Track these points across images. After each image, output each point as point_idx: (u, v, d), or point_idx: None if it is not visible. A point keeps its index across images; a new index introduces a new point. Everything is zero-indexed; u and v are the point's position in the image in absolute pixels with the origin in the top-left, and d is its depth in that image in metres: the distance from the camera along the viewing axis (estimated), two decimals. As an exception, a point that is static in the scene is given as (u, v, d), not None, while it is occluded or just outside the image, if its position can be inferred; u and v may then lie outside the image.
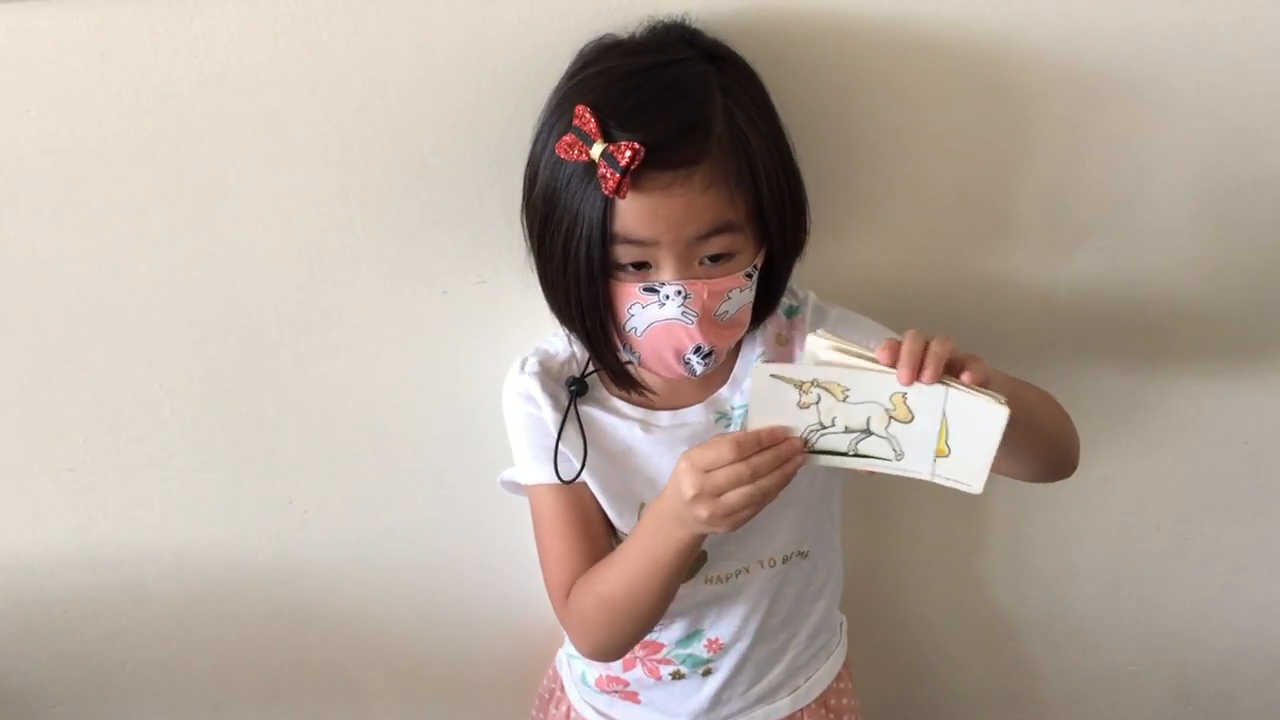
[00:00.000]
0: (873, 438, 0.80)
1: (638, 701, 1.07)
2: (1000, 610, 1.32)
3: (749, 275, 0.87)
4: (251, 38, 0.91)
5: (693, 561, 0.96)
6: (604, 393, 0.97)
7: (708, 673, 1.04)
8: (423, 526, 1.16)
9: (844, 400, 0.78)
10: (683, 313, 0.84)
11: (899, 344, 0.77)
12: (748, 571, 1.00)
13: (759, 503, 0.80)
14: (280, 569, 1.17)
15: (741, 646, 1.03)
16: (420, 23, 0.92)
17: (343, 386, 1.08)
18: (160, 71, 0.91)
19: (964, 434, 0.78)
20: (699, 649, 1.03)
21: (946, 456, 0.79)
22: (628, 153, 0.77)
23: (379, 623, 1.22)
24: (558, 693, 1.17)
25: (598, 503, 0.96)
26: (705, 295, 0.84)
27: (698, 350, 0.86)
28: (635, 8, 0.91)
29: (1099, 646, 1.36)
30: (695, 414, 0.97)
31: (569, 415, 0.95)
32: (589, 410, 0.96)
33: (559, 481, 0.95)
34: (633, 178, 0.78)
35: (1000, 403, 0.75)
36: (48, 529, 1.11)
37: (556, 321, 0.92)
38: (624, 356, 0.91)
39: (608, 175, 0.78)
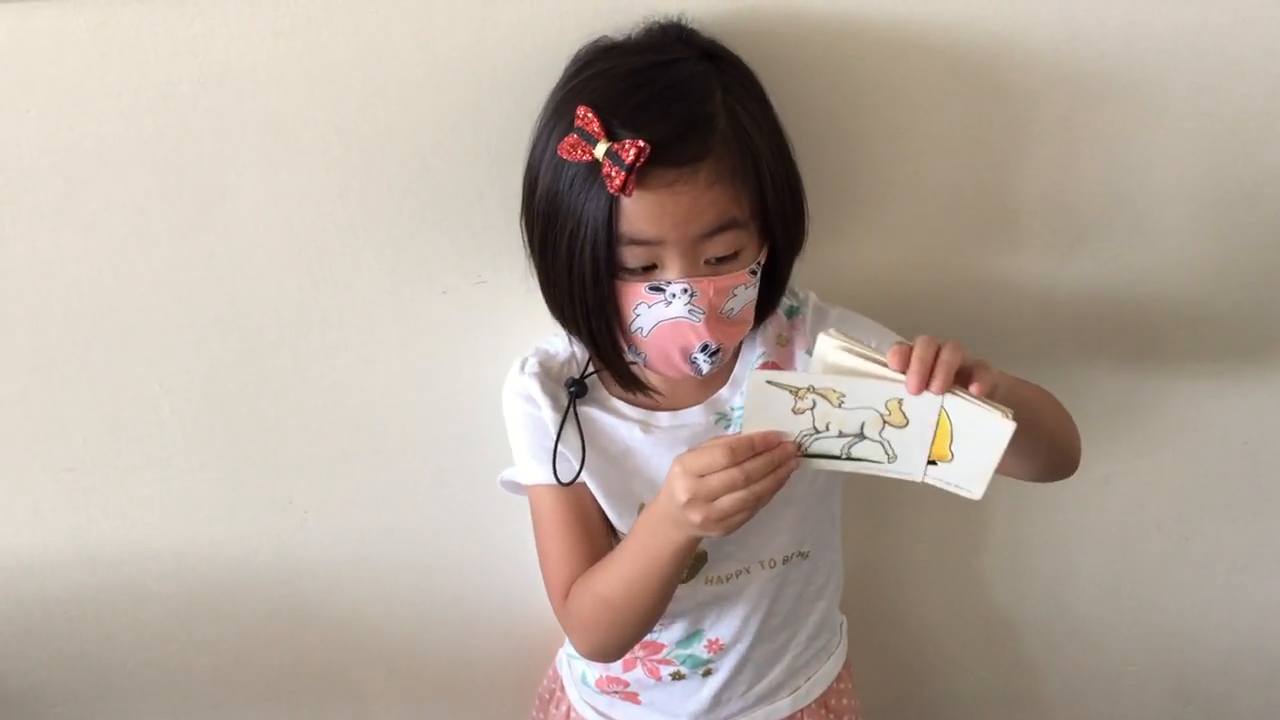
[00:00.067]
0: (866, 441, 0.80)
1: (638, 702, 1.07)
2: (1000, 610, 1.32)
3: (753, 272, 0.87)
4: (252, 38, 0.91)
5: (692, 562, 0.96)
6: (604, 393, 0.97)
7: (708, 673, 1.04)
8: (423, 526, 1.16)
9: (839, 406, 0.78)
10: (689, 311, 0.84)
11: (909, 350, 0.76)
12: (748, 572, 1.00)
13: (752, 507, 0.80)
14: (280, 569, 1.17)
15: (742, 647, 1.03)
16: (420, 23, 0.92)
17: (343, 386, 1.08)
18: (160, 72, 0.91)
19: (968, 441, 0.78)
20: (699, 649, 1.03)
21: (950, 461, 0.79)
22: (633, 151, 0.77)
23: (379, 623, 1.22)
24: (558, 693, 1.17)
25: (597, 503, 0.96)
26: (711, 293, 0.84)
27: (705, 348, 0.86)
28: (635, 8, 0.91)
29: (1099, 646, 1.36)
30: (695, 415, 0.97)
31: (568, 416, 0.95)
32: (588, 411, 0.96)
33: (558, 483, 0.95)
34: (638, 176, 0.78)
35: (1006, 416, 0.75)
36: (48, 529, 1.11)
37: (556, 323, 0.92)
38: (629, 357, 0.91)
39: (613, 174, 0.78)
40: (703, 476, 0.80)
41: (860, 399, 0.78)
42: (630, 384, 0.94)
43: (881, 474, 0.82)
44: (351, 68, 0.93)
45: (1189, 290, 1.11)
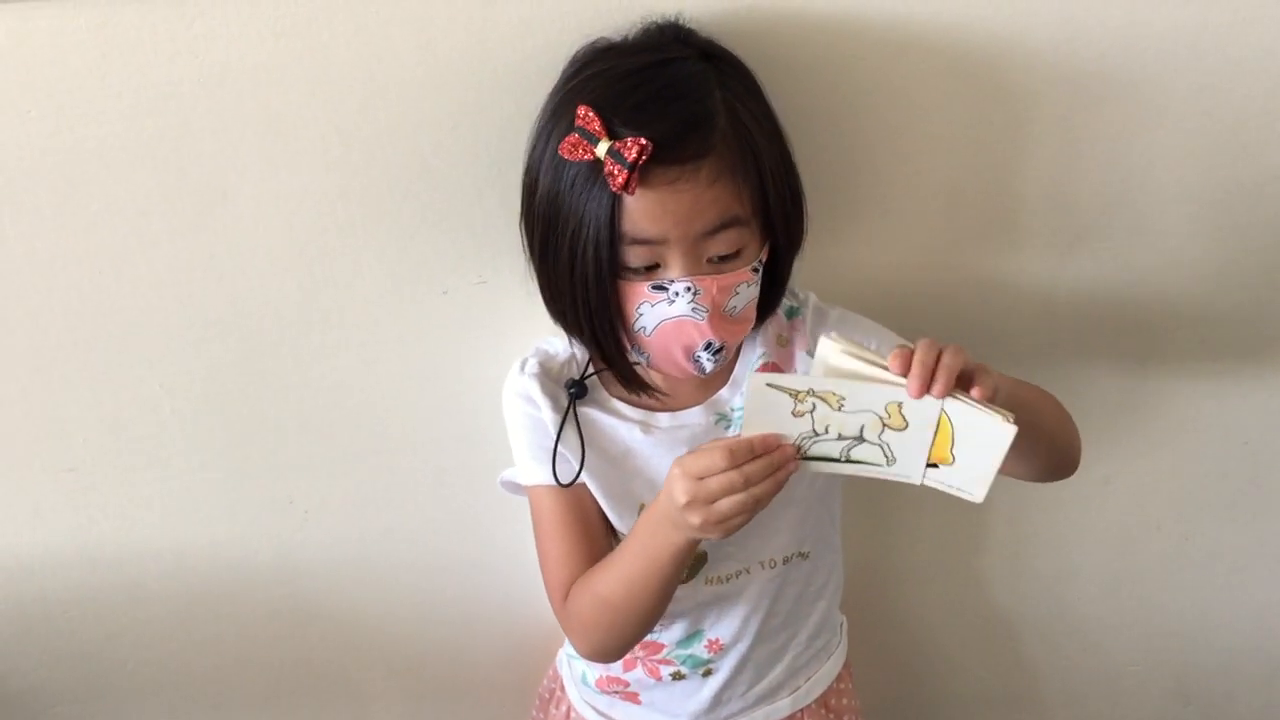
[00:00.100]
0: (865, 444, 0.80)
1: (638, 702, 1.07)
2: (1000, 610, 1.32)
3: (755, 270, 0.87)
4: (252, 38, 0.91)
5: (692, 562, 0.96)
6: (604, 394, 0.97)
7: (708, 673, 1.04)
8: (423, 526, 1.16)
9: (839, 409, 0.78)
10: (693, 309, 0.84)
11: (911, 353, 0.76)
12: (748, 572, 1.00)
13: (751, 510, 0.80)
14: (280, 569, 1.17)
15: (742, 647, 1.03)
16: (420, 23, 0.92)
17: (343, 387, 1.08)
18: (161, 72, 0.91)
19: (969, 444, 0.78)
20: (699, 649, 1.03)
21: (951, 464, 0.79)
22: (635, 148, 0.77)
23: (379, 623, 1.22)
24: (558, 693, 1.17)
25: (597, 504, 0.96)
26: (715, 290, 0.84)
27: (708, 346, 0.86)
28: (634, 8, 0.91)
29: (1099, 646, 1.36)
30: (695, 415, 0.97)
31: (568, 417, 0.95)
32: (588, 412, 0.96)
33: (557, 484, 0.95)
34: (640, 175, 0.78)
35: (1008, 420, 0.75)
36: (48, 529, 1.11)
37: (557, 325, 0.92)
38: (633, 358, 0.91)
39: (615, 172, 0.78)
40: (702, 479, 0.80)
41: (860, 402, 0.78)
42: (634, 385, 0.93)
43: (881, 477, 0.82)
44: (352, 68, 0.93)
45: (1189, 290, 1.11)
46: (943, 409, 0.76)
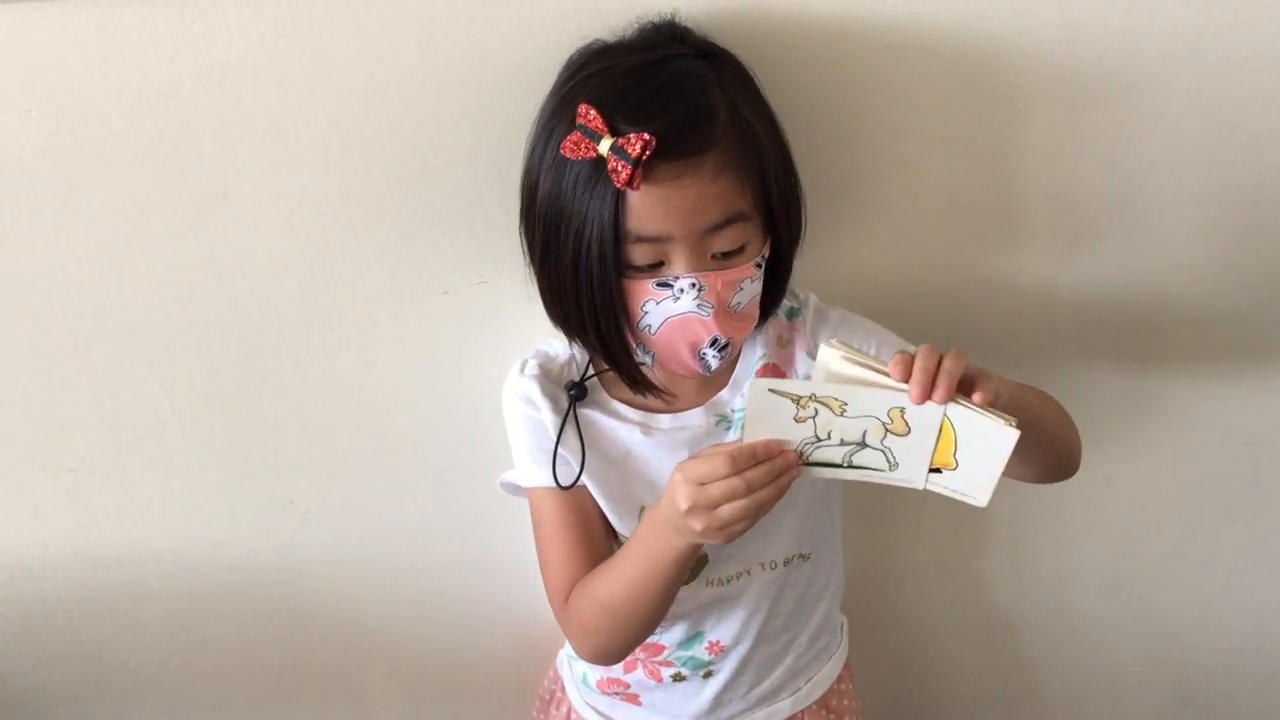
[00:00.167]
0: (868, 450, 0.80)
1: (639, 703, 1.07)
2: (1000, 610, 1.32)
3: (758, 265, 0.87)
4: (253, 38, 0.91)
5: (694, 564, 0.96)
6: (604, 396, 0.97)
7: (709, 675, 1.04)
8: (423, 527, 1.16)
9: (841, 414, 0.78)
10: (698, 305, 0.84)
11: (912, 359, 0.76)
12: (749, 574, 1.00)
13: (754, 516, 0.80)
14: (280, 569, 1.17)
15: (743, 649, 1.03)
16: (421, 23, 0.92)
17: (343, 387, 1.08)
18: (161, 72, 0.91)
19: (972, 449, 0.78)
20: (700, 651, 1.03)
21: (954, 469, 0.79)
22: (639, 144, 0.77)
23: (379, 623, 1.22)
24: (558, 694, 1.16)
25: (597, 506, 0.96)
26: (719, 286, 0.84)
27: (714, 343, 0.86)
28: (634, 8, 0.91)
29: (1099, 647, 1.36)
30: (695, 417, 0.96)
31: (568, 419, 0.94)
32: (588, 413, 0.96)
33: (557, 486, 0.95)
34: (644, 170, 0.78)
35: (1010, 424, 0.75)
36: (48, 529, 1.11)
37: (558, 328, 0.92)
38: (639, 358, 0.90)
39: (619, 168, 0.78)
40: (704, 485, 0.80)
41: (862, 407, 0.78)
42: (640, 385, 0.93)
43: (883, 482, 0.82)
44: (352, 68, 0.93)
45: (1189, 290, 1.11)
46: (945, 414, 0.76)
